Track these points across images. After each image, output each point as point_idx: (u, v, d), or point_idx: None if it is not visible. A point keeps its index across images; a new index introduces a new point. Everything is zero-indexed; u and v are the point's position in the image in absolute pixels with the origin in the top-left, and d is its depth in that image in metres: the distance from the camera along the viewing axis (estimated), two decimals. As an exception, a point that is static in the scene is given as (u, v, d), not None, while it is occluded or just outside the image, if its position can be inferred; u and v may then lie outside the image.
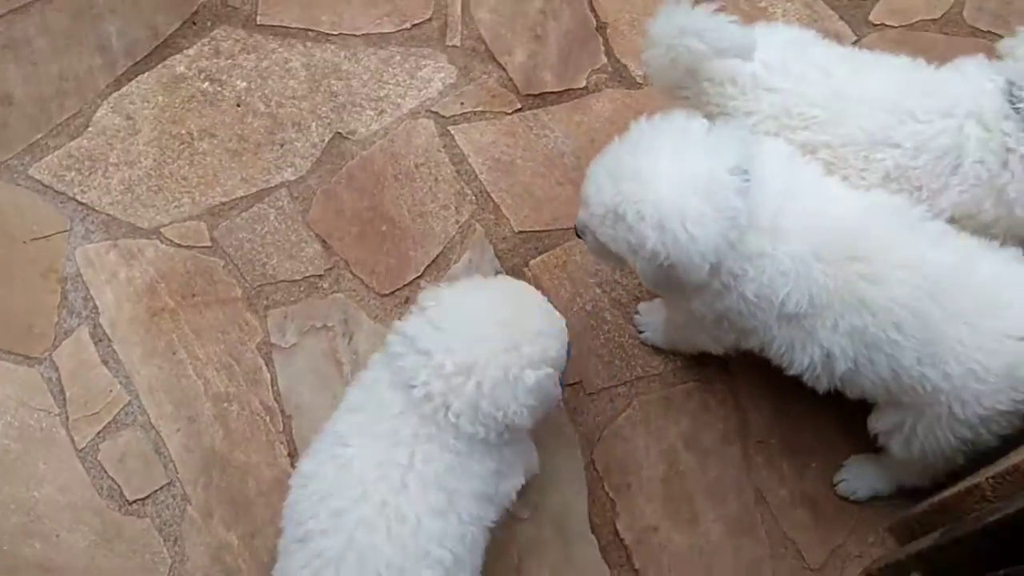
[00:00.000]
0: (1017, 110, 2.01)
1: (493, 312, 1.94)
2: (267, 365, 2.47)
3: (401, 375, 1.89)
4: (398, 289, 2.54)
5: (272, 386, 2.45)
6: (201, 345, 2.49)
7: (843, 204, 1.97)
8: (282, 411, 2.43)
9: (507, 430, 1.91)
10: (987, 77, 2.08)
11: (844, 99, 2.09)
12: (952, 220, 2.06)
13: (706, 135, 1.93)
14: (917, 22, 2.79)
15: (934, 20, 2.79)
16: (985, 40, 2.74)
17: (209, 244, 2.59)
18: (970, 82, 2.09)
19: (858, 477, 2.32)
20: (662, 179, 1.86)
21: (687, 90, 2.18)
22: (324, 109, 2.73)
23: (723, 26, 2.03)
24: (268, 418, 2.43)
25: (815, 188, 1.99)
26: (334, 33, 2.82)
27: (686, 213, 1.85)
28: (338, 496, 1.85)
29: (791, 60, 2.13)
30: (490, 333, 1.89)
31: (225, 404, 2.44)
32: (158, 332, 2.51)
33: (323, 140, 2.69)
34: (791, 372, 2.07)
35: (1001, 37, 2.71)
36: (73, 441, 2.41)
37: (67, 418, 2.43)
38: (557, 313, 2.04)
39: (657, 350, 2.48)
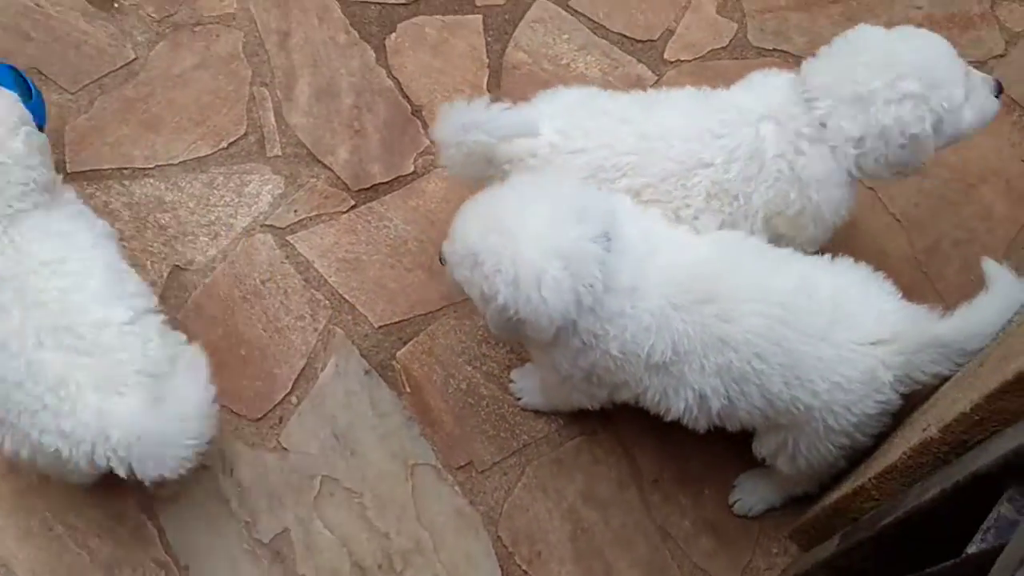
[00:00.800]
0: (807, 100, 2.15)
1: None
2: (151, 520, 2.37)
3: None
4: (270, 410, 2.49)
5: (161, 540, 2.36)
6: (77, 514, 2.36)
7: (688, 252, 2.05)
8: (177, 563, 2.34)
9: (39, 190, 2.14)
10: (771, 80, 2.24)
11: (648, 139, 2.18)
12: (766, 220, 2.20)
13: (578, 198, 1.99)
14: (708, 52, 2.94)
15: (723, 47, 2.95)
16: (772, 58, 2.91)
17: (63, 407, 2.48)
18: (756, 88, 2.24)
19: (751, 494, 2.41)
20: (528, 238, 1.91)
21: (493, 178, 2.23)
22: (156, 245, 2.64)
23: (499, 115, 2.13)
24: (164, 574, 2.33)
25: (666, 243, 2.06)
26: (150, 166, 2.73)
27: (543, 278, 1.89)
28: None
29: (584, 119, 2.22)
30: None
31: (116, 570, 2.33)
32: (28, 511, 2.36)
33: (162, 276, 2.60)
34: (669, 418, 2.14)
35: (785, 52, 2.91)
36: (-40, 652, 2.27)
37: (-53, 630, 2.29)
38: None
39: (538, 413, 2.51)
